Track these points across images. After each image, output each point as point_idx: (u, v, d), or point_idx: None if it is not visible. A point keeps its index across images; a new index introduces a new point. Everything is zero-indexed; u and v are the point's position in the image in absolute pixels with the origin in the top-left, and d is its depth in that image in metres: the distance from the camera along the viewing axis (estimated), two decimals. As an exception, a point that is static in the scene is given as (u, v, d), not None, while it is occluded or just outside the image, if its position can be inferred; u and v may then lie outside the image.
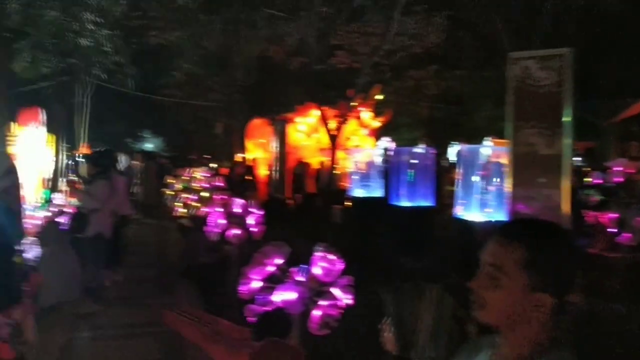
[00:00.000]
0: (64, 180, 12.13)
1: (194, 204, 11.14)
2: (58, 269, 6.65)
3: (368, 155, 12.98)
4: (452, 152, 21.05)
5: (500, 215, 7.43)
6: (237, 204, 6.86)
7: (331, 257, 3.62)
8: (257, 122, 20.55)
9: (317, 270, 3.60)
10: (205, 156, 31.71)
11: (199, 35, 19.36)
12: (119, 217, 7.59)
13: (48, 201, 10.13)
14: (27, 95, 15.29)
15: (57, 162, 13.04)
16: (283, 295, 3.51)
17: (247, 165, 20.97)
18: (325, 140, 18.06)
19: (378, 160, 12.55)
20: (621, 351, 5.00)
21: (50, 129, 13.33)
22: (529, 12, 15.22)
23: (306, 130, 18.38)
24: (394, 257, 9.43)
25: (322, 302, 3.60)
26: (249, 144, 21.47)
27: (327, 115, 12.93)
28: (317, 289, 3.66)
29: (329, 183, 13.14)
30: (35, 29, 11.33)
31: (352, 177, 12.89)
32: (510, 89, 5.70)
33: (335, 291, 3.63)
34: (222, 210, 6.90)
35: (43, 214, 8.69)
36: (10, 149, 9.98)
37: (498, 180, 7.66)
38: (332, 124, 13.56)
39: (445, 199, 14.69)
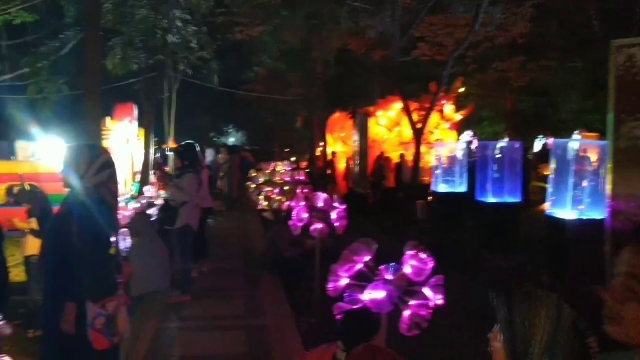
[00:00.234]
0: (153, 173, 12.54)
1: (276, 197, 11.23)
2: (148, 259, 6.88)
3: (451, 149, 12.66)
4: (537, 146, 20.30)
5: (596, 214, 7.04)
6: (321, 198, 6.82)
7: (423, 255, 3.49)
8: (337, 116, 20.56)
9: (407, 269, 3.49)
10: (286, 150, 32.12)
11: (282, 30, 19.54)
12: (202, 210, 7.73)
13: (138, 194, 10.51)
14: (116, 92, 15.96)
15: (146, 155, 13.50)
16: (372, 294, 3.43)
17: (327, 159, 21.07)
18: (406, 134, 17.80)
19: (461, 154, 12.23)
20: None
21: (140, 124, 13.86)
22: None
23: (387, 124, 18.19)
24: (479, 255, 9.16)
25: (412, 302, 3.48)
26: (329, 138, 21.53)
27: (412, 108, 12.70)
28: (406, 288, 3.54)
29: (411, 178, 12.92)
30: (126, 27, 11.77)
31: (435, 171, 12.62)
32: (612, 79, 5.30)
33: (426, 291, 3.51)
34: (305, 204, 6.88)
35: (133, 206, 9.01)
36: (105, 143, 10.41)
37: (593, 176, 7.25)
38: (415, 118, 13.32)
39: (532, 195, 14.17)
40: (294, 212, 6.90)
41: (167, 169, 14.38)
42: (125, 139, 12.31)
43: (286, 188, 11.38)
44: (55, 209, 3.80)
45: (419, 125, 12.63)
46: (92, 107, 8.25)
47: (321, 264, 6.52)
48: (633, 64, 5.05)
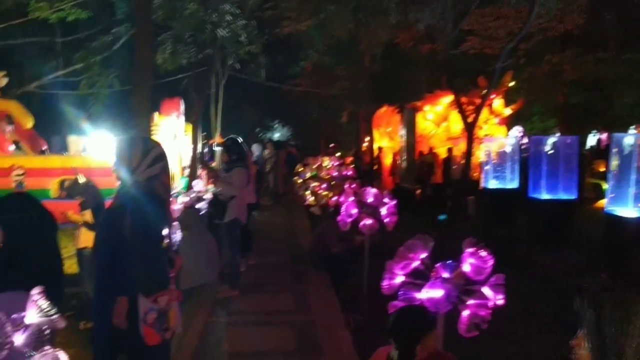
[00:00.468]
0: (201, 168, 12.63)
1: (323, 193, 11.16)
2: (197, 252, 6.88)
3: (500, 144, 12.35)
4: (590, 141, 19.67)
5: (659, 212, 6.73)
6: (370, 194, 6.70)
7: (483, 253, 3.34)
8: (383, 111, 20.34)
9: (466, 267, 3.35)
10: (331, 145, 32.04)
11: (329, 23, 19.44)
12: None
13: (187, 188, 10.57)
14: (164, 87, 16.15)
15: (194, 150, 13.61)
16: (430, 293, 3.30)
17: (374, 154, 20.88)
18: (454, 128, 17.48)
19: (511, 149, 11.91)
20: None
21: (187, 119, 13.96)
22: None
23: (435, 119, 17.90)
24: (533, 252, 8.89)
25: (470, 302, 3.34)
26: (374, 133, 21.33)
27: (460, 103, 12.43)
28: (464, 287, 3.40)
29: (461, 173, 12.66)
30: (176, 22, 11.86)
31: (484, 167, 12.33)
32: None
33: (486, 290, 3.36)
34: (354, 199, 6.78)
35: (182, 199, 9.06)
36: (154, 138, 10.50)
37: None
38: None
39: (586, 192, 13.72)
40: (343, 208, 6.80)
41: (214, 164, 14.47)
42: (172, 134, 12.41)
43: (333, 183, 11.30)
44: (107, 202, 3.79)
45: (470, 120, 12.34)
46: (141, 101, 8.30)
47: (369, 260, 6.42)
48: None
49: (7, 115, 12.20)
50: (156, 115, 11.83)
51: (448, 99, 17.46)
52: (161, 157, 3.44)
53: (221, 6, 11.72)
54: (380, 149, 20.22)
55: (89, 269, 5.38)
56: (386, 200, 6.68)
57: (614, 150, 7.46)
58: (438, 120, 17.93)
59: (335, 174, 13.08)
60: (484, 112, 15.72)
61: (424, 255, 3.51)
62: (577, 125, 20.88)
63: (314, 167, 15.19)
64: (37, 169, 10.41)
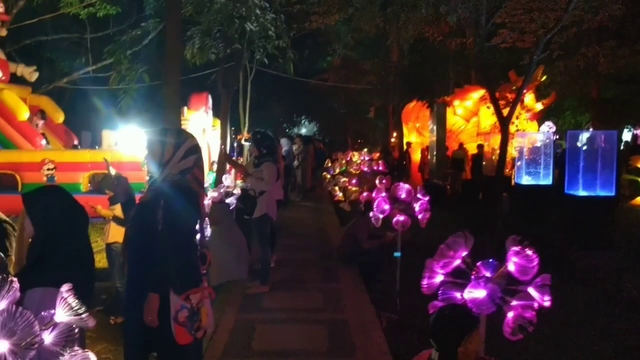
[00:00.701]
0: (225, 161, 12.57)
1: (353, 188, 11.02)
2: (226, 248, 6.82)
3: (532, 140, 12.07)
4: (625, 136, 19.18)
5: None
6: (403, 189, 6.54)
7: (528, 252, 3.18)
8: (412, 106, 20.12)
9: (511, 266, 3.19)
10: (359, 140, 31.88)
11: (357, 18, 19.27)
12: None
13: (216, 183, 10.53)
14: (192, 82, 16.17)
15: (223, 145, 13.56)
16: (473, 293, 3.15)
17: (403, 149, 20.67)
18: (484, 124, 17.19)
19: (544, 145, 11.63)
20: None
21: (215, 114, 13.94)
22: None
23: (464, 114, 17.63)
24: (569, 251, 8.63)
25: (515, 303, 3.18)
26: (404, 128, 21.12)
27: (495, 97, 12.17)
28: (508, 288, 3.24)
29: (495, 169, 12.42)
30: (204, 17, 11.82)
31: (517, 163, 12.06)
32: None
33: (531, 291, 3.20)
34: (386, 195, 6.62)
35: (212, 194, 9.01)
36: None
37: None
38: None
39: (623, 189, 13.36)
40: (375, 204, 6.65)
41: (241, 159, 14.43)
42: (201, 129, 12.40)
43: (363, 178, 11.16)
44: (137, 197, 3.71)
45: (503, 115, 12.08)
46: (171, 95, 8.27)
47: (401, 257, 6.27)
48: None
49: (39, 111, 12.35)
50: (185, 109, 11.83)
51: (478, 93, 17.18)
52: (194, 150, 3.33)
53: (250, 0, 11.63)
54: (408, 144, 20.00)
55: (120, 265, 5.34)
56: (419, 196, 6.51)
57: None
58: (467, 116, 17.66)
59: (366, 169, 12.92)
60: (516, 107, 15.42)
61: (464, 253, 3.36)
62: (611, 120, 20.40)
63: (344, 162, 15.05)
64: (68, 163, 10.49)
